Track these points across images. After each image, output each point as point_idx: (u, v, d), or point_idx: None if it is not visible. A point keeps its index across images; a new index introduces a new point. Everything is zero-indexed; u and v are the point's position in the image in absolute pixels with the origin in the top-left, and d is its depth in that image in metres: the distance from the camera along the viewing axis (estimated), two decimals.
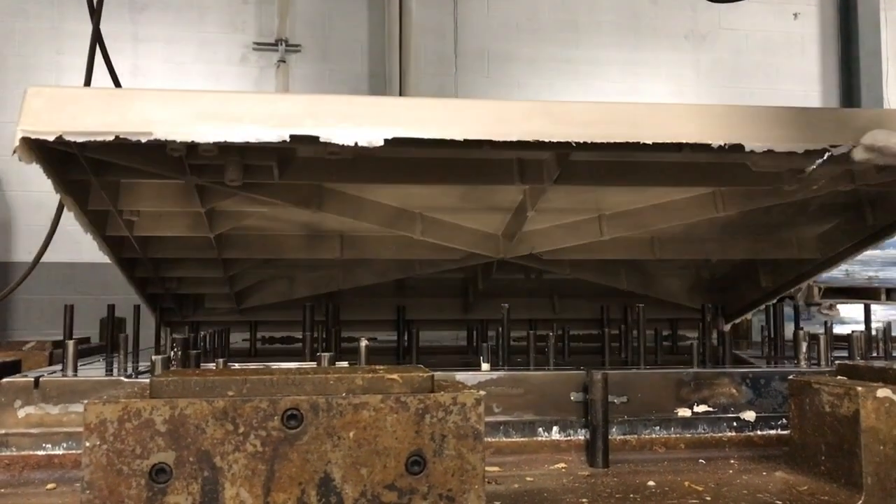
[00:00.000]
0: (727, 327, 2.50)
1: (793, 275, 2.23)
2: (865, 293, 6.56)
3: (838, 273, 6.52)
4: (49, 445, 1.18)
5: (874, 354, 1.87)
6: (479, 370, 1.31)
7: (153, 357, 1.15)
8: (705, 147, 1.34)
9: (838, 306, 6.74)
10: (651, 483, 1.12)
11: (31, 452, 1.17)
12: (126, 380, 1.21)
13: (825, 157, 1.42)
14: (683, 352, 2.23)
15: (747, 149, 1.35)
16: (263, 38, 7.38)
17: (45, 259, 8.31)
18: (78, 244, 8.19)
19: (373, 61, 7.40)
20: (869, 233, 1.85)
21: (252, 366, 1.39)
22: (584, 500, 1.03)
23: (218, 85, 7.17)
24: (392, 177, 1.50)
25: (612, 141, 1.32)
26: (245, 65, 7.35)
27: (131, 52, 7.03)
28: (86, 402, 0.87)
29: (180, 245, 1.85)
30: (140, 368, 1.45)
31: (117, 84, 2.97)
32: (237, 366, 1.43)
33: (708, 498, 1.04)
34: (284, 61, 7.19)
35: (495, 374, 1.30)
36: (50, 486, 1.11)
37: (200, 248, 1.81)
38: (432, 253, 1.96)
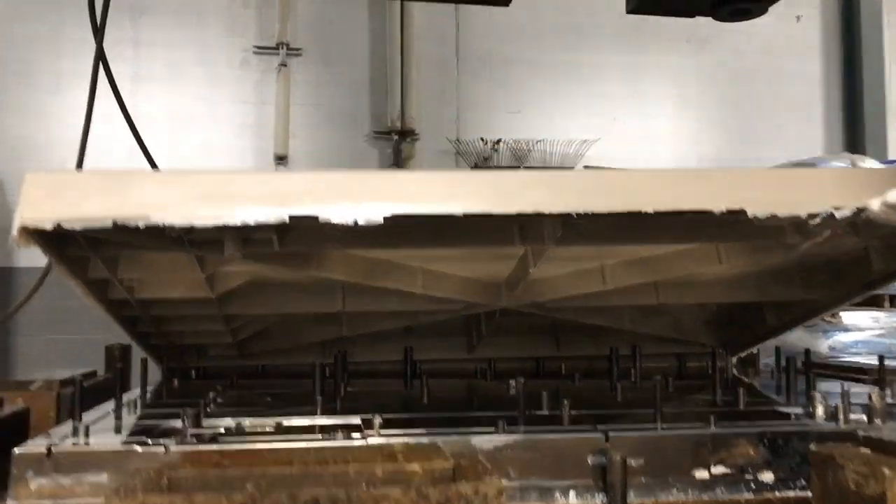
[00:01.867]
0: (733, 360, 2.51)
1: (799, 314, 2.22)
2: (869, 300, 6.52)
3: None
4: None
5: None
6: (494, 433, 1.29)
7: (164, 443, 1.14)
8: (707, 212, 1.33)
9: (841, 314, 6.70)
10: None
11: None
12: (140, 449, 1.19)
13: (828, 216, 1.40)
14: (693, 387, 2.22)
15: (750, 215, 1.34)
16: (264, 41, 7.34)
17: (40, 265, 8.24)
18: None
19: (374, 65, 7.37)
20: (876, 277, 1.84)
21: (267, 425, 1.38)
22: None
23: (218, 90, 7.14)
24: (392, 242, 1.51)
25: (612, 211, 1.31)
26: (246, 69, 7.32)
27: (132, 56, 6.99)
28: (104, 496, 0.86)
29: (182, 304, 1.85)
30: (152, 424, 1.43)
31: (127, 116, 2.95)
32: (248, 423, 1.42)
33: None
34: (286, 65, 7.15)
35: (511, 438, 1.29)
36: None
37: (203, 304, 1.81)
38: (435, 303, 1.97)
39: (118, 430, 1.43)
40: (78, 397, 1.39)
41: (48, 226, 1.22)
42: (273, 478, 0.89)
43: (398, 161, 7.52)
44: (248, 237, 1.43)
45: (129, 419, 1.61)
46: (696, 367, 2.48)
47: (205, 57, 7.19)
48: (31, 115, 7.27)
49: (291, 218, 1.26)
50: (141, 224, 1.22)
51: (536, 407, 1.60)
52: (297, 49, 7.14)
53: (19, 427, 1.62)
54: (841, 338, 6.45)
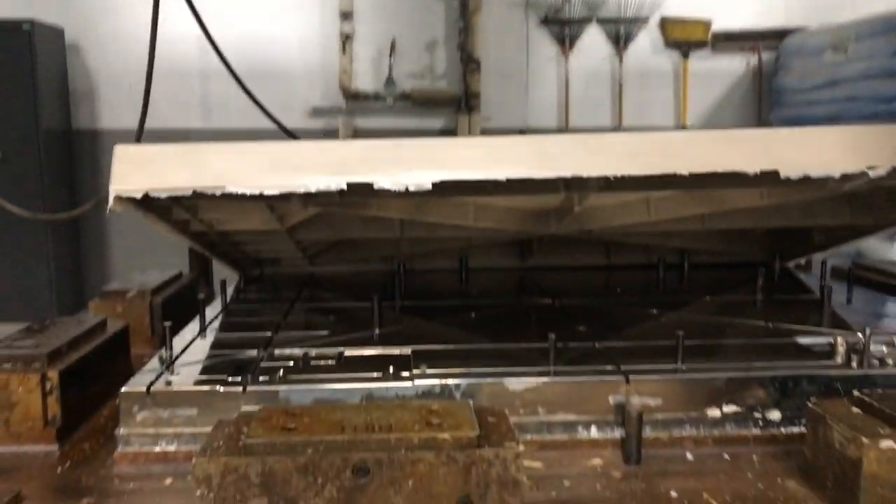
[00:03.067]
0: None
1: (848, 236, 2.26)
2: None
3: None
4: (163, 443, 1.41)
5: None
6: (527, 378, 1.46)
7: (243, 409, 1.34)
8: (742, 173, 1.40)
9: None
10: (673, 493, 1.28)
11: (149, 449, 1.41)
12: (221, 389, 1.41)
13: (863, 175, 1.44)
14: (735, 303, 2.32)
15: (782, 176, 1.40)
16: None
17: (127, 126, 8.71)
18: (155, 111, 8.43)
19: None
20: None
21: (330, 356, 1.58)
22: None
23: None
24: (442, 193, 1.61)
25: (649, 174, 1.38)
26: None
27: None
28: (194, 461, 1.08)
29: (256, 233, 2.03)
30: (230, 354, 1.65)
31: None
32: (314, 353, 1.62)
33: None
34: None
35: (540, 381, 1.45)
36: (168, 480, 1.35)
37: (274, 233, 1.99)
38: (487, 232, 2.09)
39: (203, 370, 1.64)
40: (169, 340, 1.61)
41: (137, 195, 1.41)
42: (329, 444, 1.08)
43: (465, 15, 7.54)
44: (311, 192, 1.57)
45: (207, 341, 1.84)
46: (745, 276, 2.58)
47: None
48: None
49: (349, 185, 1.40)
50: (217, 193, 1.39)
51: (572, 335, 1.75)
52: None
53: (122, 342, 1.88)
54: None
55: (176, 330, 2.12)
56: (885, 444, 1.13)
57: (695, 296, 2.25)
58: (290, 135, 4.39)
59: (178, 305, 2.30)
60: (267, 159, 1.42)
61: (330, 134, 8.04)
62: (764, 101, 8.28)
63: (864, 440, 1.14)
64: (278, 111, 7.79)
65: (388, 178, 1.39)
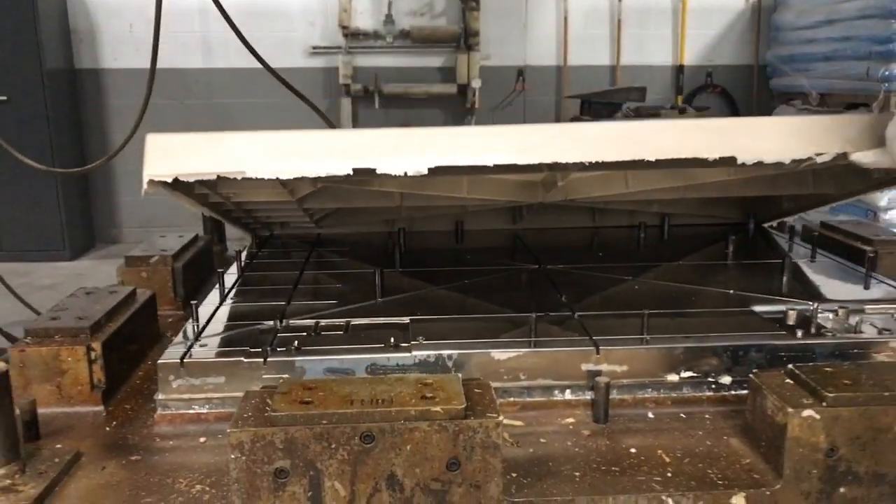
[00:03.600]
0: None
1: (814, 202, 2.44)
2: None
3: None
4: (195, 406, 1.64)
5: None
6: (510, 349, 1.67)
7: (264, 377, 1.56)
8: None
9: None
10: (633, 450, 1.51)
11: (184, 411, 1.63)
12: (245, 360, 1.63)
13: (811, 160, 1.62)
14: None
15: (738, 162, 1.58)
16: None
17: (129, 66, 8.85)
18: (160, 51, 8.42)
19: None
20: (875, 183, 2.05)
21: (338, 326, 1.79)
22: (577, 473, 1.43)
23: None
24: (438, 172, 1.80)
25: (620, 160, 1.56)
26: None
27: None
28: (229, 427, 1.30)
29: (268, 203, 2.22)
30: (250, 325, 1.86)
31: None
32: (323, 324, 1.83)
33: (669, 474, 1.43)
34: None
35: (522, 351, 1.67)
36: (202, 439, 1.58)
37: (285, 203, 2.18)
38: (480, 201, 2.28)
39: (227, 341, 1.84)
40: (195, 314, 1.82)
41: (168, 179, 1.60)
42: (340, 416, 1.30)
43: None
44: None
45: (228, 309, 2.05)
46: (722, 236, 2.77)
47: None
48: None
49: (354, 170, 1.59)
50: (239, 177, 1.58)
51: (554, 304, 1.96)
52: None
53: (150, 309, 2.09)
54: None
55: (196, 291, 2.35)
56: (806, 413, 1.35)
57: (672, 256, 2.45)
58: (282, 80, 4.45)
59: (196, 268, 2.51)
60: (281, 147, 1.61)
61: (330, 72, 8.11)
62: (762, 39, 8.30)
63: (790, 409, 1.35)
64: (278, 50, 7.87)
65: (389, 164, 1.58)
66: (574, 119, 8.05)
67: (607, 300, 2.08)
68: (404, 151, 1.64)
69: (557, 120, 8.55)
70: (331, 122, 5.25)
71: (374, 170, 1.62)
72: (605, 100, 7.57)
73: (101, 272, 7.39)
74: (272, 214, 2.50)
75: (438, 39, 8.11)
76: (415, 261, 2.41)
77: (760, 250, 2.62)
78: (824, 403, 1.36)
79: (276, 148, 1.63)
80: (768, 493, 1.38)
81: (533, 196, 2.32)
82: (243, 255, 2.45)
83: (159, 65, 8.48)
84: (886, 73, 6.29)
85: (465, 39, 7.98)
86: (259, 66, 4.47)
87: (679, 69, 8.39)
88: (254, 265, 2.39)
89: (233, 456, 1.28)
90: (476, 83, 7.89)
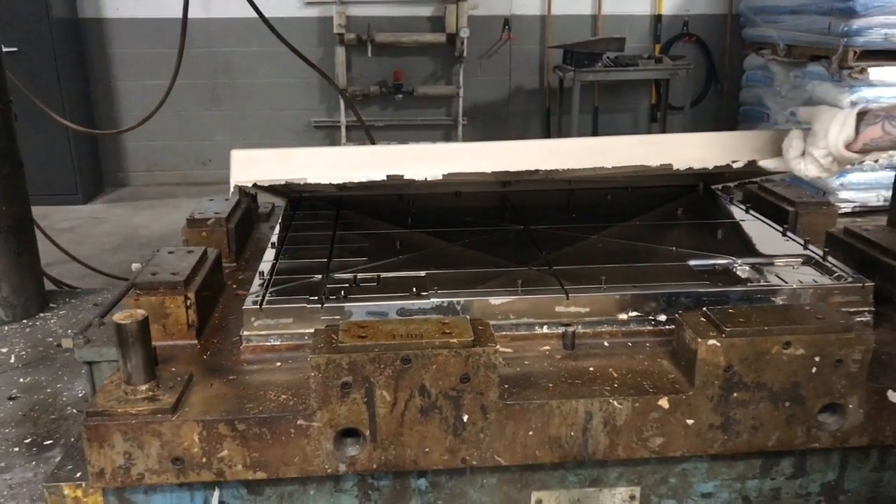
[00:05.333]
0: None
1: (746, 176, 3.00)
2: None
3: (877, 37, 6.88)
4: (271, 340, 2.20)
5: None
6: (503, 296, 2.25)
7: (322, 318, 2.12)
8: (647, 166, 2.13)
9: (870, 70, 7.18)
10: (591, 368, 2.10)
11: (262, 343, 2.20)
12: (308, 306, 2.19)
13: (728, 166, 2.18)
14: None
15: (674, 168, 2.13)
16: None
17: (131, 15, 9.29)
18: (157, 1, 8.98)
19: None
20: None
21: (372, 279, 2.35)
22: (550, 384, 2.02)
23: None
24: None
25: (585, 167, 2.12)
26: None
27: None
28: (309, 348, 1.87)
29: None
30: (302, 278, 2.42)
31: None
32: (360, 276, 2.39)
33: (616, 384, 2.01)
34: None
35: (511, 298, 2.24)
36: (277, 364, 2.15)
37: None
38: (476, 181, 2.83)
39: (290, 291, 2.38)
40: (267, 283, 2.37)
41: (249, 184, 2.12)
42: (386, 346, 1.86)
43: None
44: None
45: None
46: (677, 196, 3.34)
47: None
48: None
49: (388, 176, 2.13)
50: (301, 182, 2.11)
51: (535, 260, 2.53)
52: None
53: (218, 263, 2.63)
54: (865, 93, 7.02)
55: (243, 246, 2.89)
56: (711, 342, 1.93)
57: (632, 215, 3.02)
58: (277, 33, 4.79)
59: (243, 226, 3.05)
60: (333, 160, 2.14)
61: (324, 22, 8.46)
62: None
63: (699, 339, 1.94)
64: (275, 0, 8.19)
65: (413, 172, 2.12)
66: (556, 68, 8.48)
67: (577, 255, 2.65)
68: (425, 163, 2.19)
69: (542, 67, 8.98)
70: (323, 73, 5.62)
71: (402, 175, 2.17)
72: (587, 50, 8.01)
73: (113, 214, 7.90)
74: (308, 186, 3.02)
75: None
76: (423, 222, 2.96)
77: (705, 211, 3.19)
78: (724, 335, 1.95)
79: (329, 160, 2.16)
80: (684, 397, 1.97)
81: (518, 177, 2.86)
82: (278, 217, 2.98)
83: (161, 15, 8.87)
84: (846, 28, 6.78)
85: None
86: (256, 16, 4.80)
87: (657, 18, 8.80)
88: (293, 226, 2.93)
89: (312, 374, 1.85)
90: (464, 32, 8.29)
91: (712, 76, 9.09)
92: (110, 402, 1.89)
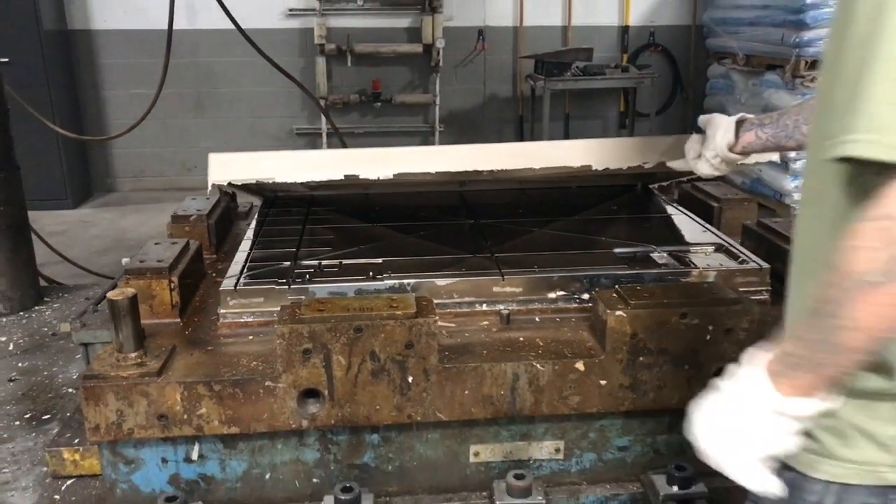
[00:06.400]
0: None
1: (675, 176, 3.36)
2: None
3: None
4: (245, 317, 2.53)
5: None
6: (447, 278, 2.58)
7: (289, 298, 2.45)
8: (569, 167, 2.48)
9: None
10: (521, 339, 2.43)
11: (237, 320, 2.52)
12: (276, 287, 2.52)
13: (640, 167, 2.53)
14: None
15: (593, 168, 2.48)
16: None
17: (117, 27, 9.63)
18: (144, 13, 9.30)
19: None
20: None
21: (335, 265, 2.68)
22: (485, 351, 2.35)
23: None
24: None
25: (517, 168, 2.46)
26: None
27: None
28: (276, 316, 2.19)
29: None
30: (272, 264, 2.75)
31: None
32: (325, 263, 2.72)
33: (541, 351, 2.35)
34: None
35: (454, 280, 2.57)
36: (250, 337, 2.47)
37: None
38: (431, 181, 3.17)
39: (261, 275, 2.72)
40: (242, 269, 2.70)
41: (224, 183, 2.45)
42: (341, 317, 2.18)
43: None
44: None
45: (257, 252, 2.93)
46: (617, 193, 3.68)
47: None
48: None
49: (345, 176, 2.46)
50: (269, 182, 2.45)
51: (480, 248, 2.87)
52: None
53: (199, 254, 2.95)
54: None
55: (223, 240, 3.21)
56: (618, 313, 2.27)
57: (572, 212, 3.37)
58: (256, 47, 5.09)
59: (222, 222, 3.37)
60: (299, 162, 2.47)
61: (305, 32, 8.80)
62: (699, 2, 9.12)
63: (608, 311, 2.28)
64: (257, 11, 8.57)
65: (367, 171, 2.46)
66: (528, 77, 8.85)
67: (520, 245, 2.98)
68: (377, 164, 2.52)
69: (514, 76, 9.34)
70: (297, 82, 5.88)
71: (357, 175, 2.51)
72: (557, 59, 8.38)
73: (101, 219, 8.19)
74: (280, 186, 3.35)
75: (405, 2, 8.82)
76: (384, 216, 3.29)
77: (639, 207, 3.54)
78: (629, 307, 2.29)
79: (295, 162, 2.50)
80: (597, 360, 2.31)
81: (468, 178, 3.20)
82: (255, 213, 3.31)
83: (147, 26, 9.18)
84: (797, 39, 7.18)
85: (430, 2, 8.70)
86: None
87: (624, 29, 9.19)
88: (267, 221, 3.26)
89: (278, 342, 2.18)
90: (440, 43, 8.64)
91: (678, 84, 9.48)
92: (104, 367, 2.21)
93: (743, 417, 1.29)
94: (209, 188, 2.50)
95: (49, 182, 8.20)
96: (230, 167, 2.46)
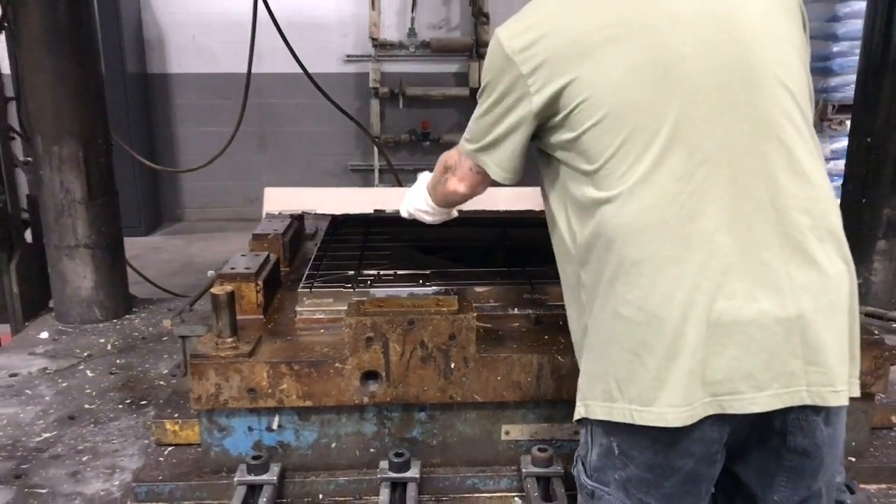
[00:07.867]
0: None
1: None
2: None
3: (852, 92, 7.65)
4: (317, 314, 3.05)
5: None
6: (484, 286, 3.08)
7: (354, 299, 2.97)
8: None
9: (846, 122, 7.98)
10: (546, 337, 2.90)
11: (311, 317, 3.05)
12: (343, 290, 3.04)
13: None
14: None
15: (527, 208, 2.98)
16: None
17: (191, 70, 10.48)
18: (214, 58, 10.13)
19: None
20: None
21: (390, 274, 3.20)
22: (515, 345, 2.83)
23: None
24: None
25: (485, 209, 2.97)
26: None
27: None
28: (344, 311, 2.71)
29: None
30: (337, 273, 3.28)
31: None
32: (382, 272, 3.25)
33: (562, 347, 2.81)
34: None
35: (491, 287, 3.07)
36: (321, 331, 2.98)
37: None
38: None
39: (331, 280, 3.26)
40: (315, 275, 3.24)
41: (276, 212, 3.01)
42: (396, 312, 2.68)
43: None
44: None
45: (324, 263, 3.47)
46: None
47: None
48: None
49: (374, 210, 3.00)
50: (313, 213, 3.00)
51: (514, 262, 3.36)
52: None
53: (277, 266, 3.49)
54: (845, 142, 7.78)
55: (295, 254, 3.76)
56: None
57: None
58: (319, 87, 5.67)
59: (294, 239, 3.92)
60: (337, 198, 3.03)
61: (361, 77, 9.48)
62: None
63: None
64: (317, 57, 9.29)
65: (390, 207, 3.00)
66: None
67: (549, 259, 3.46)
68: (396, 202, 3.05)
69: None
70: (357, 122, 6.48)
71: (384, 210, 3.05)
72: None
73: (171, 245, 8.88)
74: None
75: (454, 49, 9.46)
76: (432, 238, 3.83)
77: None
78: None
79: (334, 198, 3.06)
80: None
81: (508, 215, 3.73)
82: (320, 235, 3.88)
83: (218, 70, 9.99)
84: (824, 85, 7.60)
85: (477, 49, 9.32)
86: (301, 71, 5.65)
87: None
88: (333, 239, 3.81)
89: (346, 330, 2.68)
90: None
91: None
92: (207, 349, 2.75)
93: (416, 191, 2.56)
94: (263, 216, 3.05)
95: (124, 211, 8.89)
96: (281, 200, 3.03)
